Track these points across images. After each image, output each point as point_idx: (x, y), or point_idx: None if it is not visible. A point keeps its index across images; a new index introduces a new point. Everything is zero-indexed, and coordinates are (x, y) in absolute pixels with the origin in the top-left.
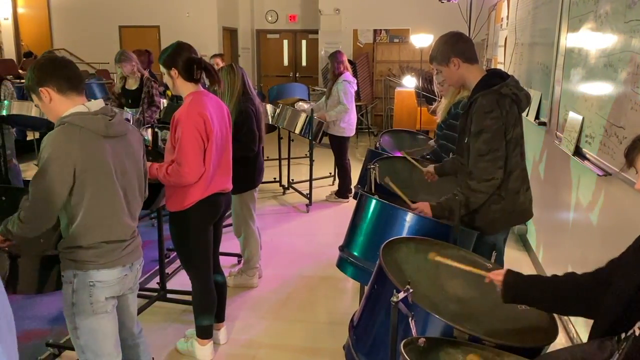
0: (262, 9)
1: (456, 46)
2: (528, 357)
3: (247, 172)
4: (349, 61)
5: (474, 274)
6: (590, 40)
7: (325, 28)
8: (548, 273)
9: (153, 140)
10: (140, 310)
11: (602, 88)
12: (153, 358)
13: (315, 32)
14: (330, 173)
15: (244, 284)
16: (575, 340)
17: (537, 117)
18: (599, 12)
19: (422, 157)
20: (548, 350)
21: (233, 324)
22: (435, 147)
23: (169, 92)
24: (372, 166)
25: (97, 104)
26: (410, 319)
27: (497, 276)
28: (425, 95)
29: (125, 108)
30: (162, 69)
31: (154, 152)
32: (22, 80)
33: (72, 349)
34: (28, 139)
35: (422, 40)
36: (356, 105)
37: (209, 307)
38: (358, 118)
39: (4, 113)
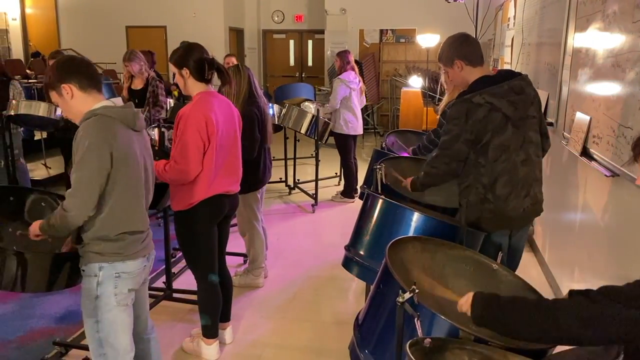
0: (268, 9)
1: (460, 49)
2: (534, 359)
3: (249, 174)
4: (355, 61)
5: (478, 272)
6: (598, 40)
7: (331, 28)
8: (555, 274)
9: (160, 140)
10: None
11: (609, 88)
12: None
13: (322, 32)
14: (336, 173)
15: (250, 284)
16: None
17: (544, 117)
18: (607, 12)
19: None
20: (554, 352)
21: (239, 324)
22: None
23: (175, 92)
24: (378, 166)
25: (118, 101)
26: (415, 319)
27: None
28: (432, 96)
29: None
30: (174, 69)
31: (160, 152)
32: (30, 81)
33: (79, 347)
34: (35, 138)
35: (429, 40)
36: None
37: (214, 307)
38: (364, 118)
39: (12, 113)
